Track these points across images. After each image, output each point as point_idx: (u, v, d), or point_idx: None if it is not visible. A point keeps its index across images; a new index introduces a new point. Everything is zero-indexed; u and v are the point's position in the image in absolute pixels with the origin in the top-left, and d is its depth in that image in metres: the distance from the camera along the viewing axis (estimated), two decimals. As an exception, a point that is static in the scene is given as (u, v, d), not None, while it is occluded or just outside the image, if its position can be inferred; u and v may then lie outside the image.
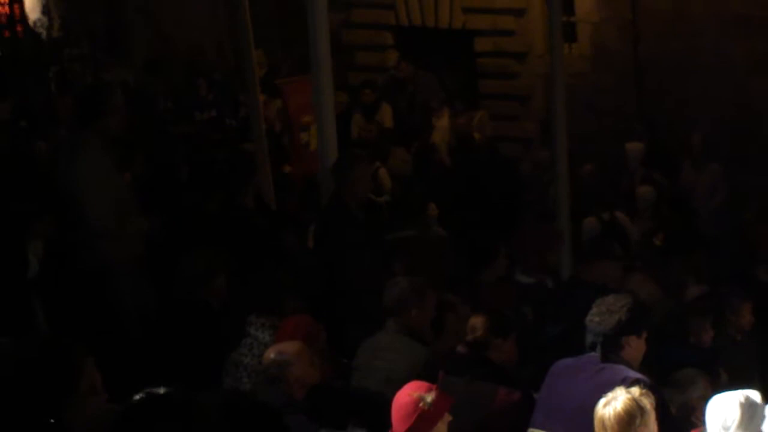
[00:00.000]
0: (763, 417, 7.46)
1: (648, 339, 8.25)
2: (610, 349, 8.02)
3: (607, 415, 7.20)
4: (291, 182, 15.58)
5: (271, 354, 8.23)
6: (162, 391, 6.10)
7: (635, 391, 7.30)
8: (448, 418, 7.50)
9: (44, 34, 23.09)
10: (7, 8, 22.77)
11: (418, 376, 8.12)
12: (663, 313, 10.79)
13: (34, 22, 23.14)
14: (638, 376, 7.80)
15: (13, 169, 10.39)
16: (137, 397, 6.01)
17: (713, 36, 18.46)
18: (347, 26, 21.07)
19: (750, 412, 7.36)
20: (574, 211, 14.28)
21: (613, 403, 7.21)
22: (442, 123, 18.83)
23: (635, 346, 8.12)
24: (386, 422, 7.51)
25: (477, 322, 9.06)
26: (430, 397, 7.40)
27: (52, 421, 5.86)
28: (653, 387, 7.65)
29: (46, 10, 23.52)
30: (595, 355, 8.07)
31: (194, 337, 9.51)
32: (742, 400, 7.40)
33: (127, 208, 10.27)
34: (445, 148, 18.26)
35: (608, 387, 7.43)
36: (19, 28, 22.98)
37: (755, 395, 7.49)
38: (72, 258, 10.10)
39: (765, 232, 13.56)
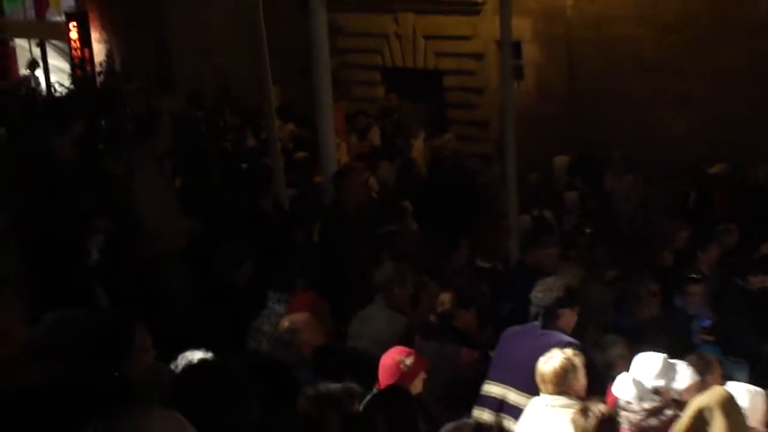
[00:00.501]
0: (677, 373, 7.46)
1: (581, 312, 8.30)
2: (549, 318, 8.04)
3: (546, 370, 7.24)
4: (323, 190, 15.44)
5: (285, 323, 8.24)
6: (200, 353, 6.12)
7: (569, 351, 7.33)
8: (423, 376, 7.57)
9: (108, 72, 23.08)
10: (79, 52, 22.73)
11: (400, 341, 8.16)
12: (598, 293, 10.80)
13: (101, 63, 23.09)
14: (571, 340, 7.83)
15: (83, 178, 10.37)
16: (182, 358, 6.02)
17: (632, 76, 18.56)
18: (345, 67, 21.09)
19: (667, 367, 7.36)
20: (520, 211, 14.28)
21: (551, 361, 7.25)
22: (419, 143, 18.85)
23: (569, 317, 8.13)
24: (374, 376, 7.54)
25: (445, 297, 9.09)
26: (409, 360, 7.47)
27: (116, 373, 5.87)
28: (583, 349, 7.69)
29: (110, 53, 23.49)
30: (537, 323, 8.09)
31: (226, 309, 9.52)
32: (663, 357, 7.41)
33: (173, 211, 10.27)
34: (423, 163, 18.26)
35: (547, 348, 7.46)
36: (89, 68, 22.93)
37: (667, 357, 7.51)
38: (128, 250, 10.10)
39: (670, 228, 13.61)
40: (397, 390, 7.16)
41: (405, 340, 8.39)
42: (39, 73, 24.53)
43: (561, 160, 17.63)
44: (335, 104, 17.23)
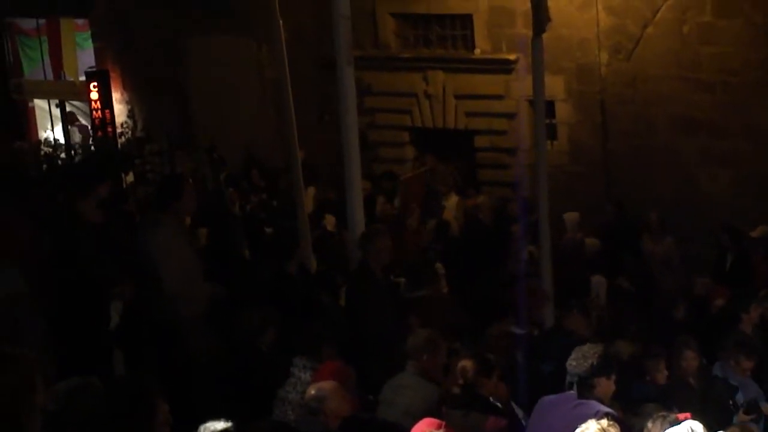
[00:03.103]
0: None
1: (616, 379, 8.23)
2: (585, 387, 7.97)
3: (581, 442, 7.15)
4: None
5: (311, 390, 8.21)
6: (222, 424, 6.08)
7: (604, 422, 7.22)
8: (454, 447, 7.51)
9: (129, 133, 23.18)
10: (100, 113, 22.83)
11: (432, 412, 8.11)
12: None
13: (122, 124, 23.20)
14: (608, 410, 7.74)
15: (108, 240, 10.46)
16: (204, 429, 5.99)
17: (666, 134, 18.64)
18: (372, 127, 21.14)
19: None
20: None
21: (585, 432, 7.16)
22: (451, 204, 18.87)
23: (605, 386, 8.06)
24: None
25: (467, 365, 9.04)
26: (440, 432, 7.41)
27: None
28: (619, 420, 7.60)
29: (131, 114, 23.61)
30: (573, 393, 8.03)
31: (250, 376, 9.51)
32: (689, 429, 7.31)
33: (195, 275, 10.28)
34: (456, 224, 18.26)
35: (583, 419, 7.36)
36: (109, 129, 23.03)
37: (698, 428, 7.39)
38: (150, 314, 10.11)
39: (715, 292, 13.64)
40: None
41: (437, 411, 8.34)
42: (59, 133, 24.72)
43: (572, 217, 17.64)
44: (415, 171, 17.54)
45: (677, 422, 7.62)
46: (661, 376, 10.52)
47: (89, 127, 23.58)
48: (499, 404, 9.10)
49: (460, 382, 8.95)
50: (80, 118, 24.68)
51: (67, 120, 24.74)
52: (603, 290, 15.37)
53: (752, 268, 15.96)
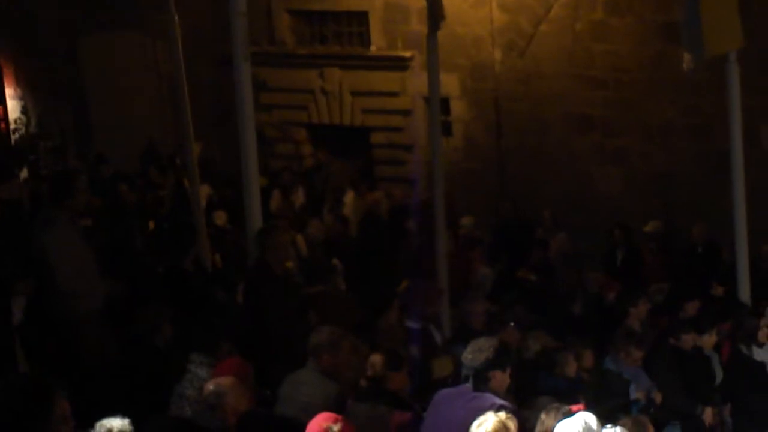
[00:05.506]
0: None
1: (513, 372, 8.29)
2: (480, 380, 8.01)
3: (479, 434, 7.19)
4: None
5: (210, 386, 8.14)
6: (119, 420, 6.00)
7: (502, 415, 7.29)
8: (352, 441, 7.48)
9: (23, 129, 22.84)
10: (-8, 109, 22.52)
11: (330, 408, 8.08)
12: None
13: (15, 120, 22.87)
14: (504, 403, 7.79)
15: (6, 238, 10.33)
16: (100, 426, 5.91)
17: (560, 132, 18.80)
18: (269, 124, 21.06)
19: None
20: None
21: (484, 425, 7.20)
22: (348, 200, 18.86)
23: (500, 379, 8.10)
24: (302, 445, 7.46)
25: (376, 359, 9.04)
26: (336, 427, 7.37)
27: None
28: (516, 411, 7.67)
29: (24, 110, 23.26)
30: (469, 385, 8.06)
31: (146, 373, 9.42)
32: (581, 425, 7.39)
33: (90, 271, 10.17)
34: (354, 220, 18.26)
35: (479, 412, 7.42)
36: (2, 126, 22.69)
37: (592, 420, 7.48)
38: (46, 311, 9.99)
39: (605, 284, 13.85)
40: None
41: (335, 407, 8.32)
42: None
43: (468, 220, 17.75)
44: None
45: (570, 414, 7.70)
46: (571, 368, 10.61)
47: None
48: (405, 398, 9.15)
49: (369, 373, 8.96)
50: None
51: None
52: (489, 283, 15.54)
53: (643, 262, 16.22)
